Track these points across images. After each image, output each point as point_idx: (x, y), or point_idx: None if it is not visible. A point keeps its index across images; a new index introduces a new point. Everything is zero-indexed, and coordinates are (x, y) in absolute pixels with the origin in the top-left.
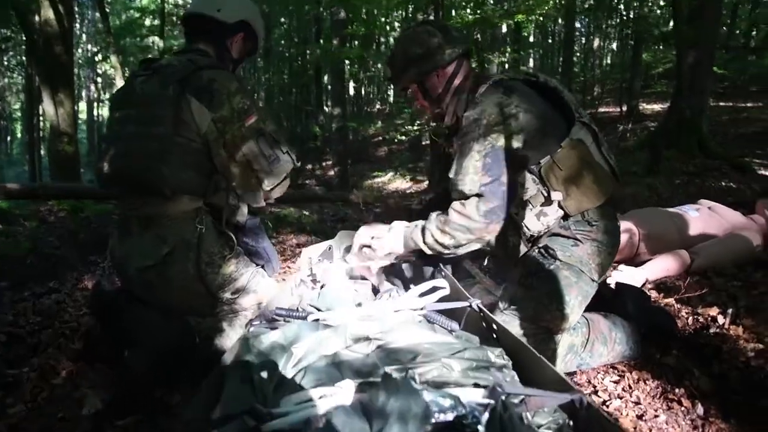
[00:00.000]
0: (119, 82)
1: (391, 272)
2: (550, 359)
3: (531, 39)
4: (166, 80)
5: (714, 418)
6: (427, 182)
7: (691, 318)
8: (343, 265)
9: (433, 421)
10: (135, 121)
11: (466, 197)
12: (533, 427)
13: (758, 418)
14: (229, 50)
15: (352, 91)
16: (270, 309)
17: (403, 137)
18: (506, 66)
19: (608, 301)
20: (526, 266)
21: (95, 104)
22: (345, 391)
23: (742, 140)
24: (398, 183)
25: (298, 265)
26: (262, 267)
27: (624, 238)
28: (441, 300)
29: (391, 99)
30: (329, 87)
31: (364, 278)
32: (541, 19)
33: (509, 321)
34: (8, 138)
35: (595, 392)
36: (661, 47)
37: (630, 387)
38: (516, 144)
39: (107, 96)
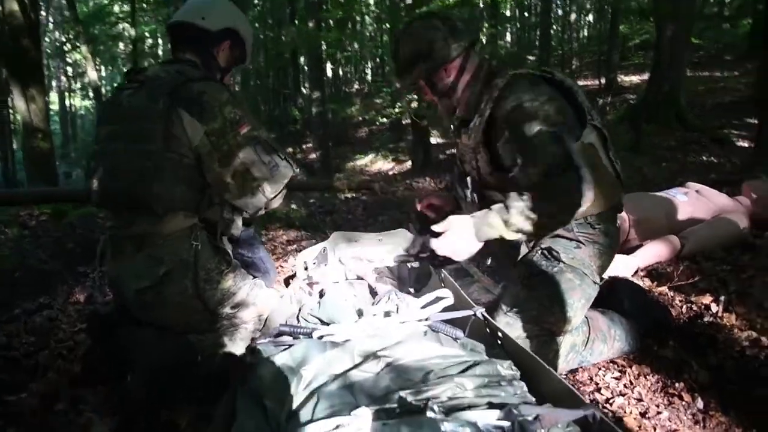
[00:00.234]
0: (91, 73)
1: (388, 273)
2: (552, 360)
3: (507, 13)
4: (155, 93)
5: (714, 412)
6: (410, 162)
7: (685, 306)
8: (339, 267)
9: None
10: (123, 137)
11: (555, 173)
12: None
13: (754, 408)
14: (216, 58)
15: (329, 72)
16: (274, 326)
17: (384, 119)
18: (484, 42)
19: (604, 297)
20: (529, 267)
21: (66, 95)
22: (362, 421)
23: (719, 110)
24: (380, 164)
25: (290, 264)
26: (260, 277)
27: None
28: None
29: (369, 78)
30: (306, 68)
31: (360, 278)
32: None
33: (512, 323)
34: None
35: (598, 390)
36: (638, 19)
37: (631, 383)
38: None
39: (78, 86)
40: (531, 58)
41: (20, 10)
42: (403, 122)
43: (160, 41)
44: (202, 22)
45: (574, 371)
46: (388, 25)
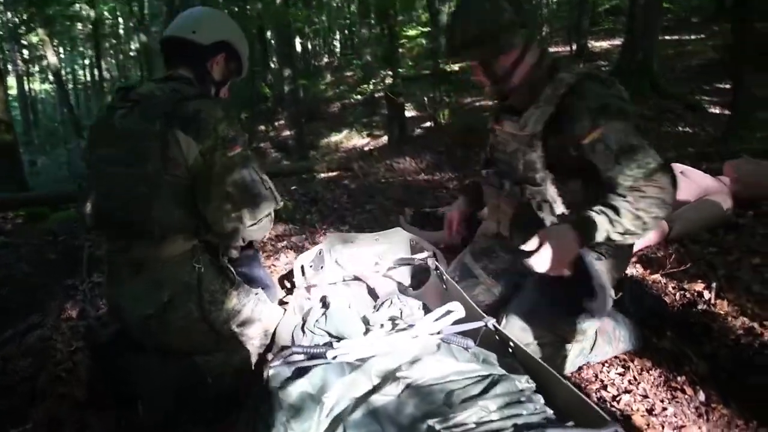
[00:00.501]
0: (50, 56)
1: (387, 273)
2: (560, 365)
3: None
4: (150, 113)
5: (716, 404)
6: (385, 138)
7: (678, 294)
8: (336, 269)
9: None
10: (118, 160)
11: (653, 171)
12: None
13: (750, 397)
14: (210, 72)
15: (298, 47)
16: (280, 339)
17: (359, 96)
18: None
19: None
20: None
21: (25, 79)
22: None
23: (689, 74)
24: (355, 140)
25: (283, 262)
26: (263, 289)
27: None
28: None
29: (338, 51)
30: (272, 42)
31: (357, 278)
32: None
33: (526, 329)
34: None
35: (604, 387)
36: None
37: (635, 379)
38: None
39: (37, 69)
40: None
41: None
42: (376, 95)
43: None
44: (193, 37)
45: (579, 369)
46: None
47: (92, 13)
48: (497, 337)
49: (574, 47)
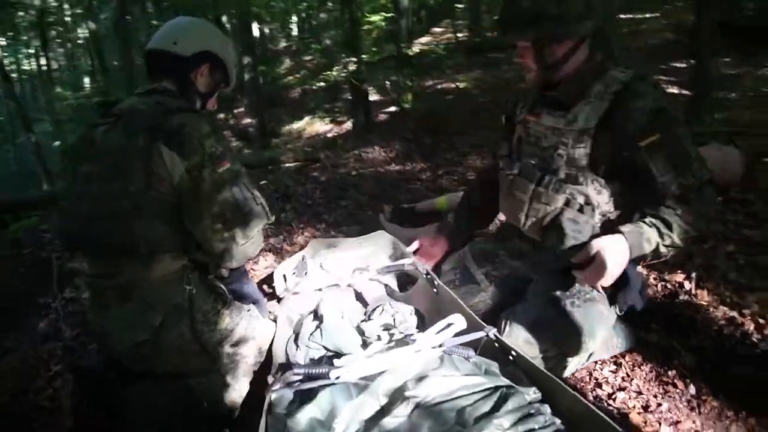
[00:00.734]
0: None
1: (374, 277)
2: (560, 374)
3: None
4: (133, 128)
5: (706, 396)
6: (349, 123)
7: (660, 285)
8: (321, 274)
9: None
10: (101, 177)
11: (702, 183)
12: None
13: (735, 387)
14: (194, 84)
15: (256, 32)
16: (276, 355)
17: (322, 83)
18: None
19: None
20: (561, 289)
21: None
22: None
23: (644, 54)
24: (318, 126)
25: (262, 266)
26: (254, 305)
27: None
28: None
29: (295, 35)
30: (228, 27)
31: (339, 283)
32: None
33: (532, 342)
34: None
35: (599, 386)
36: None
37: (628, 375)
38: None
39: None
40: (460, 5)
41: None
42: (337, 79)
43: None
44: (174, 48)
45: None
46: None
47: (37, 1)
48: (497, 345)
49: None
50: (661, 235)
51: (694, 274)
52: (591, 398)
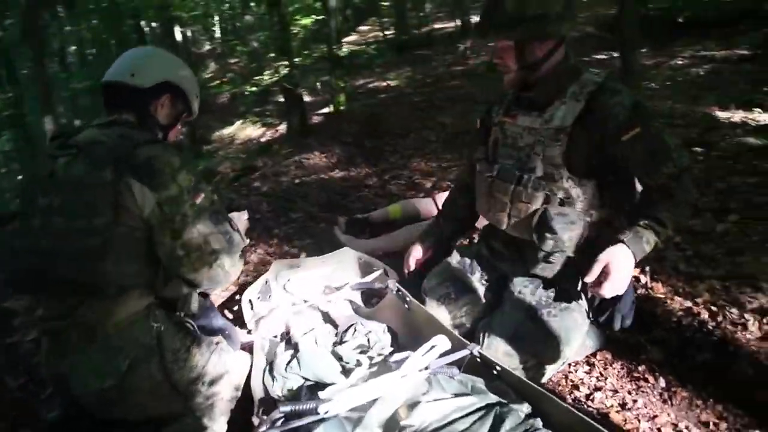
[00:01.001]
0: None
1: (339, 295)
2: (538, 381)
3: None
4: (99, 161)
5: (676, 388)
6: (283, 127)
7: None
8: (284, 296)
9: None
10: (62, 211)
11: (681, 171)
12: None
13: (699, 375)
14: (154, 116)
15: (178, 35)
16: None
17: (254, 88)
18: None
19: None
20: (537, 300)
21: None
22: None
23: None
24: (249, 131)
25: (220, 291)
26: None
27: None
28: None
29: (218, 36)
30: (147, 30)
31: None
32: None
33: (512, 354)
34: None
35: (576, 388)
36: None
37: (602, 374)
38: None
39: None
40: (385, 3)
41: None
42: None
43: None
44: (132, 80)
45: None
46: None
47: None
48: (479, 360)
49: (459, 23)
50: (657, 233)
51: (647, 268)
52: (570, 401)
